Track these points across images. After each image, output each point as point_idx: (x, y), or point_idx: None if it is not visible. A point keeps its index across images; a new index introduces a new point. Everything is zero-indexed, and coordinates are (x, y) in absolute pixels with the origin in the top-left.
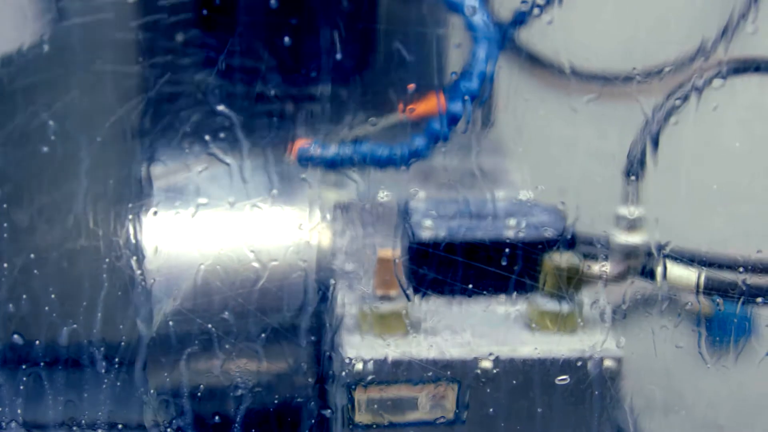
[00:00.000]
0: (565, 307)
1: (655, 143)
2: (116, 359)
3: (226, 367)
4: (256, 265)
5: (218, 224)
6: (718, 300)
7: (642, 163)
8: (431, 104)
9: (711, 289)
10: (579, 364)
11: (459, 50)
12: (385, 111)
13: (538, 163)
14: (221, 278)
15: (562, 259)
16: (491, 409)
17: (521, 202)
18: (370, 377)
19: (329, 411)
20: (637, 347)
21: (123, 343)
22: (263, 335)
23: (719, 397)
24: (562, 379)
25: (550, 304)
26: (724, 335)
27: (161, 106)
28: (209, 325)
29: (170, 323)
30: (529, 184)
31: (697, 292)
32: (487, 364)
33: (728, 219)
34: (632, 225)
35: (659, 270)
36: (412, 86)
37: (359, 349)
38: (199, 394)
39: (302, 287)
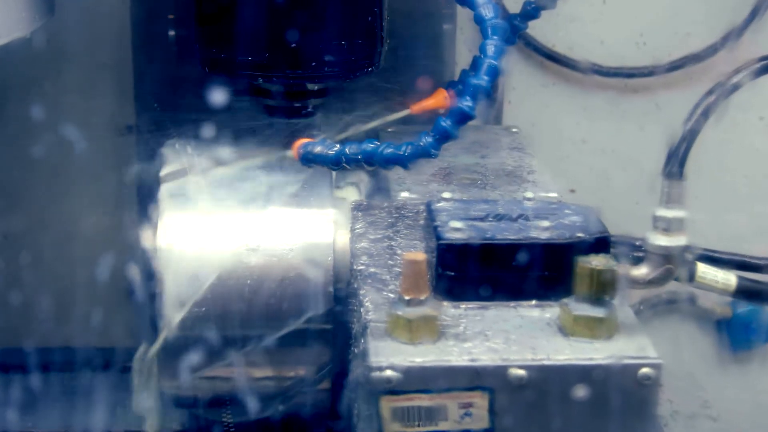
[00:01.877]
0: (601, 312)
1: (691, 141)
2: (126, 364)
3: (243, 373)
4: (273, 268)
5: (231, 226)
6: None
7: (683, 163)
8: (439, 101)
9: (749, 292)
10: (615, 371)
11: (467, 44)
12: (391, 107)
13: (551, 161)
14: (236, 282)
15: (598, 261)
16: (524, 418)
17: (553, 202)
18: (398, 385)
19: (354, 420)
20: (666, 352)
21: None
22: (283, 341)
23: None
24: (597, 386)
25: (585, 309)
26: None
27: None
28: (224, 331)
29: (183, 328)
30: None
31: (735, 295)
32: (519, 371)
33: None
34: (670, 226)
35: (697, 273)
36: (420, 82)
37: (386, 355)
38: (213, 402)
39: (322, 291)
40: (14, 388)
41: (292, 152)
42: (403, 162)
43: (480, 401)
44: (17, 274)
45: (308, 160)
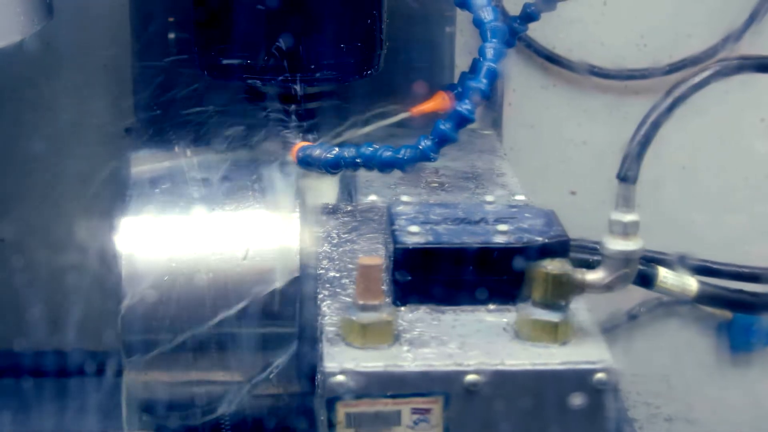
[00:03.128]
0: (557, 317)
1: (646, 144)
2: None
3: (200, 377)
4: (233, 270)
5: (196, 227)
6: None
7: (637, 164)
8: (438, 103)
9: (710, 298)
10: (571, 376)
11: (467, 47)
12: (390, 111)
13: (552, 164)
14: (196, 283)
15: (553, 265)
16: (478, 424)
17: (512, 205)
18: (351, 390)
19: (309, 425)
20: (673, 355)
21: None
22: (240, 344)
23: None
24: (555, 392)
25: (540, 314)
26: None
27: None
28: (181, 333)
29: (142, 331)
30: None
31: (696, 300)
32: (474, 376)
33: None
34: (626, 230)
35: (658, 278)
36: (418, 85)
37: (339, 361)
38: (170, 406)
39: (287, 294)
40: (7, 393)
41: (291, 155)
42: (402, 165)
43: (434, 407)
44: (11, 278)
45: (307, 163)
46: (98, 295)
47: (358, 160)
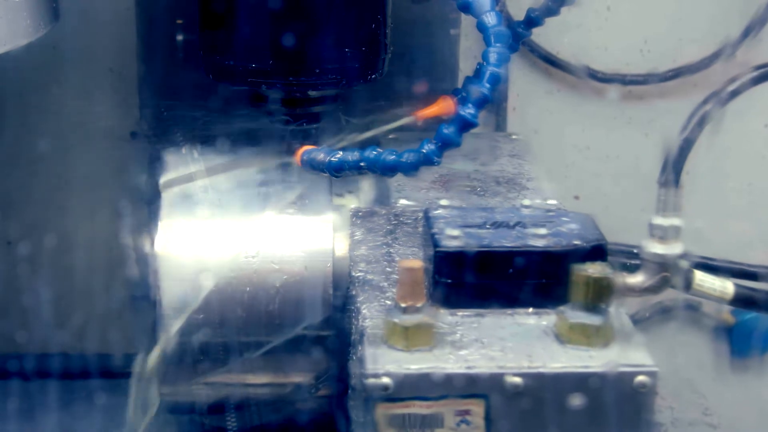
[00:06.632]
0: (597, 320)
1: (687, 149)
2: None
3: (241, 380)
4: (272, 274)
5: (231, 233)
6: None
7: (678, 171)
8: (443, 108)
9: (747, 300)
10: (611, 378)
11: (471, 52)
12: (394, 115)
13: (555, 168)
14: (235, 289)
15: (594, 269)
16: (520, 426)
17: (551, 209)
18: (394, 392)
19: (350, 427)
20: (668, 359)
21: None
22: (280, 348)
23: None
24: (592, 394)
25: (581, 317)
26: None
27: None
28: (223, 338)
29: (181, 334)
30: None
31: (732, 303)
32: (515, 378)
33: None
34: (666, 235)
35: (693, 281)
36: (422, 89)
37: (382, 362)
38: (212, 408)
39: (321, 298)
40: (12, 395)
41: (295, 159)
42: (406, 169)
43: (476, 408)
44: (18, 280)
45: (311, 166)
46: (104, 297)
47: (361, 164)
